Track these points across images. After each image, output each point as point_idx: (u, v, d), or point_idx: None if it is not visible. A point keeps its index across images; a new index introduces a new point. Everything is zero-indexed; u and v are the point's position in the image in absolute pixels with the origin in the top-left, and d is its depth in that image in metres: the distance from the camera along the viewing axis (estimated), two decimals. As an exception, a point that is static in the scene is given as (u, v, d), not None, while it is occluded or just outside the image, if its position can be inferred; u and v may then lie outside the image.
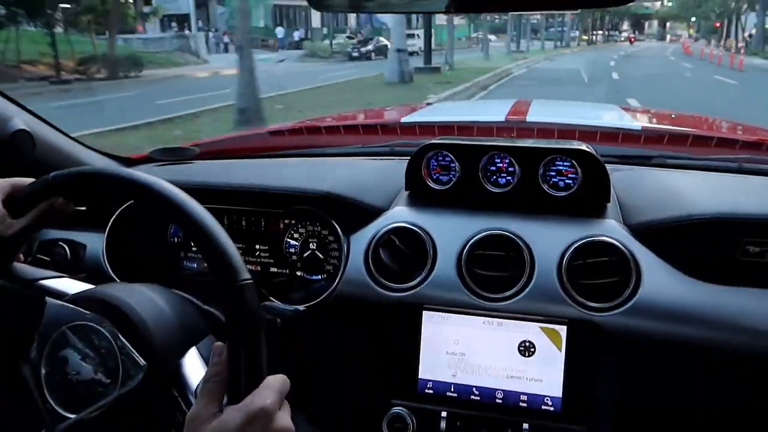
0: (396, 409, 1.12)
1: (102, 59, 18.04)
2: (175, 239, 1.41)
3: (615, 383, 1.06)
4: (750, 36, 41.30)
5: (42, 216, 0.85)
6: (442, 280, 1.12)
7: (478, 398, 1.10)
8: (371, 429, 1.14)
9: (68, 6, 19.26)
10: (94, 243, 1.34)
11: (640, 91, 12.97)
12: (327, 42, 34.73)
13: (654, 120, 2.09)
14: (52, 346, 0.80)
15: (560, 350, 1.07)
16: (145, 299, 0.87)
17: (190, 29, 32.10)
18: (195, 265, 1.40)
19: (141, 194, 0.79)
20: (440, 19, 27.67)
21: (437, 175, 1.26)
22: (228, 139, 1.90)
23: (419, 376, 1.13)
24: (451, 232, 1.15)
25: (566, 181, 1.19)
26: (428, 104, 3.86)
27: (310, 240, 1.30)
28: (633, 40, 62.21)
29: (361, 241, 1.19)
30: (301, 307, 1.00)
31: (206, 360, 0.82)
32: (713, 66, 23.83)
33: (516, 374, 1.09)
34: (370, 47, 29.90)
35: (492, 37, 37.85)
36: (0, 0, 15.01)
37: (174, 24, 33.91)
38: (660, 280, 1.05)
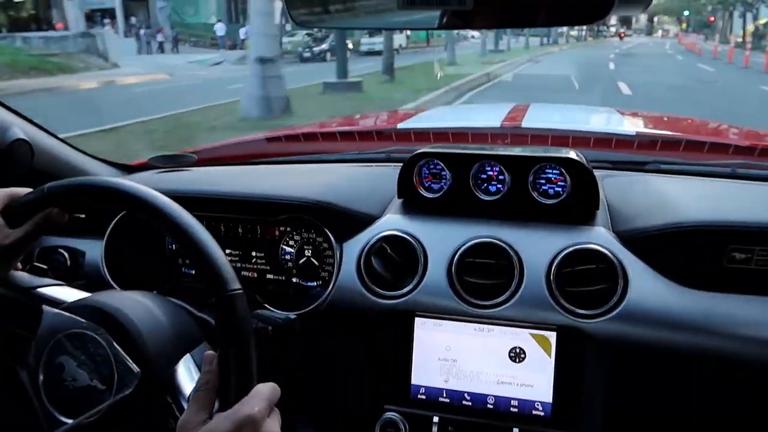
0: (389, 415, 1.13)
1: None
2: (173, 246, 1.43)
3: (604, 389, 1.07)
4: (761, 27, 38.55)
5: (38, 226, 0.87)
6: (434, 287, 1.13)
7: (470, 404, 1.12)
8: None
9: None
10: (94, 250, 1.36)
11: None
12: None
13: (650, 124, 2.10)
14: (49, 353, 0.82)
15: (550, 356, 1.09)
16: (140, 307, 0.89)
17: (130, 25, 28.71)
18: (193, 272, 1.41)
19: (132, 205, 0.81)
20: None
21: (429, 183, 1.28)
22: (226, 146, 1.92)
23: (412, 382, 1.14)
24: (442, 240, 1.17)
25: (555, 188, 1.20)
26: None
27: (305, 247, 1.31)
28: (623, 35, 60.00)
29: (353, 248, 1.21)
30: (293, 315, 1.02)
31: (200, 367, 0.84)
32: (739, 68, 19.48)
33: (507, 380, 1.10)
34: (324, 46, 25.77)
35: (475, 34, 33.68)
36: None
37: (107, 19, 30.33)
38: (647, 287, 1.06)
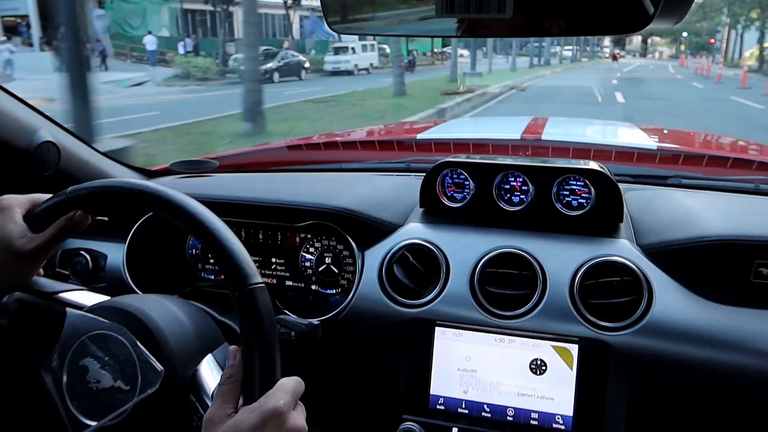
0: (407, 425, 1.12)
1: None
2: (194, 251, 1.44)
3: (626, 403, 1.06)
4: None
5: (62, 230, 0.87)
6: (455, 297, 1.13)
7: (489, 415, 1.11)
8: None
9: None
10: (116, 253, 1.37)
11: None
12: (216, 57, 25.15)
13: (670, 139, 2.09)
14: (73, 355, 0.83)
15: (572, 369, 1.08)
16: (161, 308, 0.90)
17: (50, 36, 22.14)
18: (213, 277, 1.42)
19: (154, 204, 0.82)
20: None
21: (452, 192, 1.28)
22: (247, 153, 1.93)
23: (431, 392, 1.14)
24: (464, 250, 1.16)
25: (579, 200, 1.19)
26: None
27: (325, 254, 1.32)
28: (618, 56, 58.61)
29: (375, 256, 1.21)
30: (316, 321, 1.02)
31: (223, 366, 0.84)
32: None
33: (527, 392, 1.10)
34: (271, 65, 21.57)
35: (464, 52, 30.73)
36: None
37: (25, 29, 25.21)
38: (672, 301, 1.05)
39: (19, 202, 0.88)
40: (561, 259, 1.11)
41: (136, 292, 1.29)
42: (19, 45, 24.09)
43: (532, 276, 1.11)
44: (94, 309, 0.88)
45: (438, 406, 1.14)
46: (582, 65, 45.31)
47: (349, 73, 26.74)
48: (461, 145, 1.78)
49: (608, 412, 1.07)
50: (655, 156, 1.68)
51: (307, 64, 24.24)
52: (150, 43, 25.35)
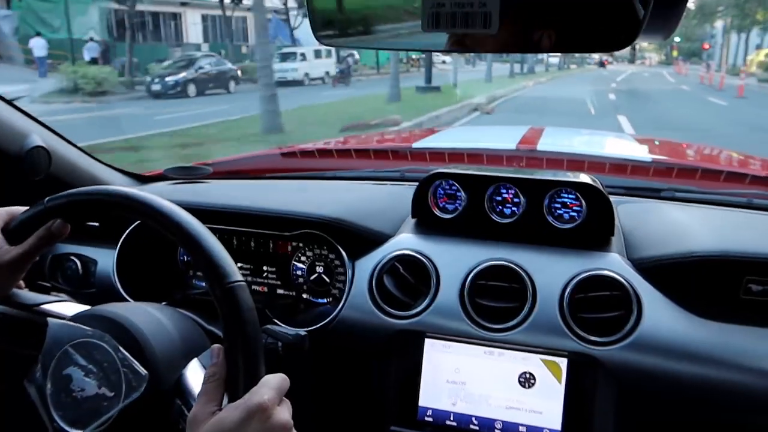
0: None
1: None
2: (185, 258, 1.43)
3: (614, 417, 1.06)
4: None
5: (40, 240, 0.87)
6: (445, 308, 1.13)
7: (477, 428, 1.10)
8: None
9: None
10: (106, 259, 1.37)
11: None
12: (113, 66, 20.20)
13: (664, 151, 2.09)
14: (56, 365, 0.82)
15: (560, 383, 1.07)
16: (144, 314, 0.90)
17: None
18: (203, 284, 1.42)
19: (132, 209, 0.82)
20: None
21: (443, 203, 1.28)
22: (241, 159, 1.93)
23: (419, 404, 1.13)
24: (455, 261, 1.16)
25: (571, 213, 1.19)
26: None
27: (317, 263, 1.31)
28: (607, 63, 55.73)
29: (366, 266, 1.21)
30: (303, 331, 1.01)
31: None
32: None
33: (516, 405, 1.09)
34: (184, 75, 17.81)
35: (446, 58, 26.92)
36: None
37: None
38: (661, 317, 1.05)
39: None
40: (551, 273, 1.11)
41: (126, 299, 1.28)
42: None
43: (522, 289, 1.11)
44: (76, 318, 0.87)
45: (426, 418, 1.13)
46: (570, 73, 41.30)
47: (298, 83, 22.40)
48: (456, 155, 1.78)
49: (596, 426, 1.06)
50: (649, 168, 1.68)
51: (239, 73, 20.29)
52: (38, 47, 19.45)
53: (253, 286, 1.35)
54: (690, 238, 1.14)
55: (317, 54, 24.01)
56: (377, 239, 1.24)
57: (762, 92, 21.46)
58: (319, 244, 1.30)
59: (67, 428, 0.81)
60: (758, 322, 1.04)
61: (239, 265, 1.34)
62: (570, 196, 1.19)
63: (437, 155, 1.79)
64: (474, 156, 1.74)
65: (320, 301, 1.31)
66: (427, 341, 1.13)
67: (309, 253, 1.32)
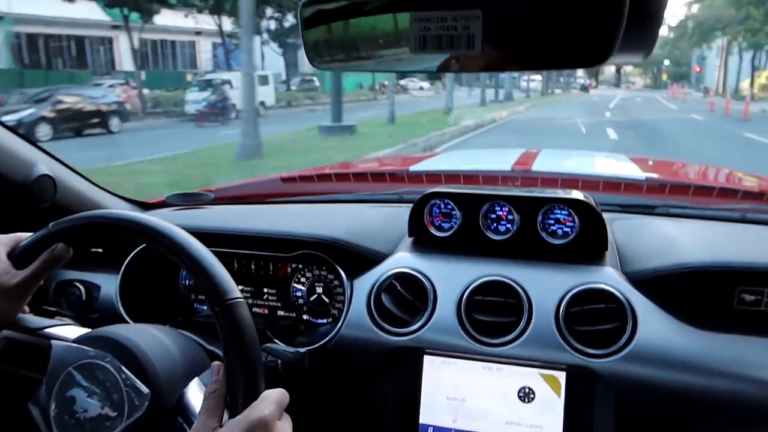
0: None
1: None
2: (187, 282, 1.45)
3: (614, 429, 1.06)
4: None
5: (44, 263, 0.89)
6: (443, 324, 1.14)
7: None
8: None
9: None
10: (109, 284, 1.39)
11: None
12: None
13: (658, 169, 2.12)
14: (60, 387, 0.84)
15: (559, 396, 1.08)
16: (146, 334, 0.91)
17: None
18: (205, 308, 1.43)
19: (133, 231, 0.84)
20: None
21: (439, 222, 1.30)
22: (242, 185, 1.96)
23: (420, 421, 1.14)
24: (451, 278, 1.18)
25: (564, 229, 1.22)
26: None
27: (316, 284, 1.33)
28: (591, 87, 53.16)
29: (364, 285, 1.23)
30: (303, 349, 1.03)
31: None
32: None
33: (516, 420, 1.10)
34: (32, 111, 13.74)
35: (425, 84, 26.63)
36: None
37: None
38: (656, 327, 1.06)
39: (2, 241, 0.91)
40: (547, 287, 1.13)
41: (129, 323, 1.30)
42: None
43: (518, 304, 1.12)
44: (79, 340, 0.89)
45: None
46: (554, 99, 36.07)
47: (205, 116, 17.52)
48: (452, 177, 1.81)
49: None
50: (642, 186, 1.71)
51: (128, 107, 16.74)
52: None
53: (254, 309, 1.37)
54: (683, 250, 1.16)
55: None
56: (375, 258, 1.26)
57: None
58: (318, 264, 1.32)
59: None
60: (752, 331, 1.05)
61: (240, 288, 1.36)
62: (563, 212, 1.22)
63: (434, 177, 1.82)
64: (470, 177, 1.77)
65: (320, 321, 1.33)
66: (426, 358, 1.14)
67: (308, 274, 1.34)
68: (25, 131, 12.25)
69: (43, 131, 13.75)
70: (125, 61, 24.60)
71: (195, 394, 0.86)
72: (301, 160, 9.62)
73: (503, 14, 0.59)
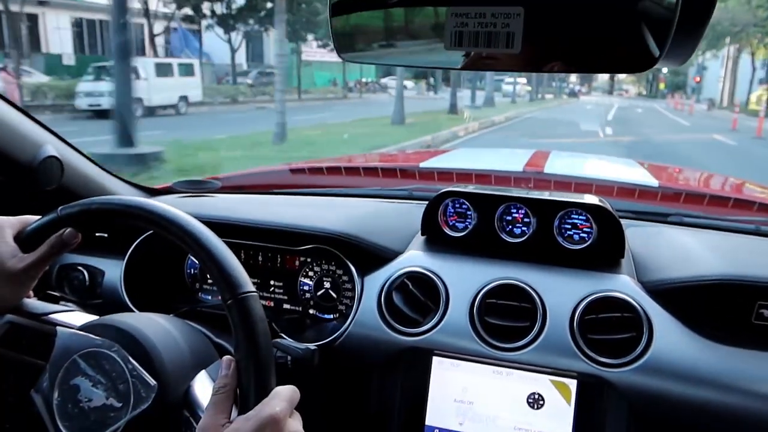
0: None
1: None
2: (192, 270, 1.43)
3: None
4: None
5: (52, 248, 0.88)
6: (454, 326, 1.12)
7: None
8: None
9: None
10: (113, 270, 1.37)
11: None
12: None
13: (671, 177, 2.10)
14: (64, 374, 0.82)
15: (570, 404, 1.06)
16: (154, 325, 0.89)
17: None
18: (210, 298, 1.41)
19: (144, 219, 0.82)
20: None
21: (453, 221, 1.28)
22: (249, 174, 1.94)
23: (426, 423, 1.12)
24: (464, 280, 1.16)
25: (581, 234, 1.19)
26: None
27: (324, 279, 1.31)
28: (581, 94, 51.92)
29: (375, 283, 1.20)
30: (312, 346, 1.01)
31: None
32: None
33: (524, 426, 1.08)
34: None
35: (409, 83, 23.76)
36: None
37: None
38: (672, 339, 1.04)
39: (9, 223, 0.89)
40: (561, 293, 1.11)
41: (132, 310, 1.28)
42: None
43: (532, 308, 1.10)
44: (86, 327, 0.87)
45: None
46: (545, 105, 31.55)
47: (108, 114, 12.30)
48: (464, 175, 1.79)
49: None
50: (656, 193, 1.69)
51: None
52: None
53: (260, 301, 1.35)
54: (700, 262, 1.14)
55: (165, 71, 16.49)
56: (386, 256, 1.24)
57: None
58: (328, 259, 1.30)
59: None
60: None
61: None
62: (581, 217, 1.19)
63: (445, 175, 1.80)
64: (482, 176, 1.75)
65: (326, 316, 1.31)
66: (435, 359, 1.12)
67: (317, 269, 1.32)
68: None
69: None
70: (52, 41, 21.75)
71: (202, 387, 0.84)
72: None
73: (546, 14, 0.56)
